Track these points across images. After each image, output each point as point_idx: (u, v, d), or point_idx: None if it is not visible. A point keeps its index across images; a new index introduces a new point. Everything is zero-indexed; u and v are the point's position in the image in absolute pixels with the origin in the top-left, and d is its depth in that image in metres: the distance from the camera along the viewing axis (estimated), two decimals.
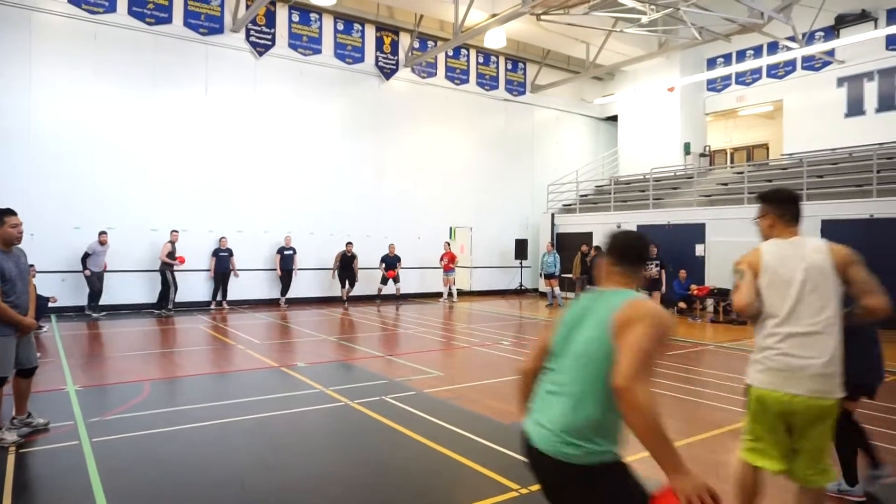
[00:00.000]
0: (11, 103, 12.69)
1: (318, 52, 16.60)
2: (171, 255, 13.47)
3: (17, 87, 12.75)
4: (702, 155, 20.80)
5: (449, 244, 18.19)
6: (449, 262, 17.56)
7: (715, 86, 20.55)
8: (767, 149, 22.31)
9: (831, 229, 12.85)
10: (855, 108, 16.90)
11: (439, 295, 18.46)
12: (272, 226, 15.66)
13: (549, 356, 2.27)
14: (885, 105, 16.34)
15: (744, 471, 3.27)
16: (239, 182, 15.31)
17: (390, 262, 16.70)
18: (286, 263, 15.39)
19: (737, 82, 19.94)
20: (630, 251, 2.32)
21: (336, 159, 16.85)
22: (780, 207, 3.20)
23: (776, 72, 18.76)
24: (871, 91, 16.58)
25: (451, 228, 19.91)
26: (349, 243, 16.08)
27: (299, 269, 15.80)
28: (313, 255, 16.17)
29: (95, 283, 12.80)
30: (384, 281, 16.38)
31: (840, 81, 17.16)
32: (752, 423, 3.15)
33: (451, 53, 19.02)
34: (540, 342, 2.39)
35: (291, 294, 15.75)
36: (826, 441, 3.03)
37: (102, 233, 12.88)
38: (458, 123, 19.40)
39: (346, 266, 16.01)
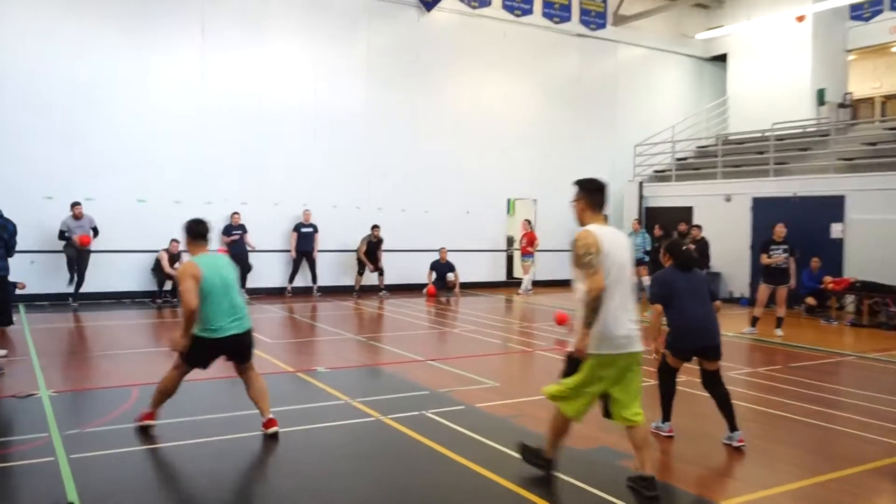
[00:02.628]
0: None
1: None
2: (173, 261, 13.84)
3: None
4: (841, 105, 20.09)
5: (530, 222, 18.10)
6: (528, 245, 17.50)
7: (861, 13, 19.79)
8: None
9: None
10: None
11: (493, 285, 18.44)
12: (284, 198, 15.89)
13: None
14: None
15: None
16: (242, 145, 15.55)
17: (442, 269, 16.68)
18: (304, 244, 15.62)
19: (892, 7, 19.16)
20: None
21: (362, 115, 16.92)
22: None
23: None
24: None
25: (508, 201, 19.82)
26: (375, 226, 16.21)
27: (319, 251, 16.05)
28: (337, 234, 16.32)
29: (73, 264, 13.25)
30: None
31: None
32: None
33: None
34: None
35: (298, 282, 16.01)
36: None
37: (75, 204, 13.28)
38: (519, 67, 19.20)
39: (371, 253, 16.18)
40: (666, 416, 5.99)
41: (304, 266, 15.99)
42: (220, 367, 6.07)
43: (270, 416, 5.76)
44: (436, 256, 16.92)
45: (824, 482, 5.02)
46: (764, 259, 11.92)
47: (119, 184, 14.31)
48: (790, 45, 19.94)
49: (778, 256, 11.86)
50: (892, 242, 13.76)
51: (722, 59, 22.22)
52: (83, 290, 13.53)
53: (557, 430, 4.79)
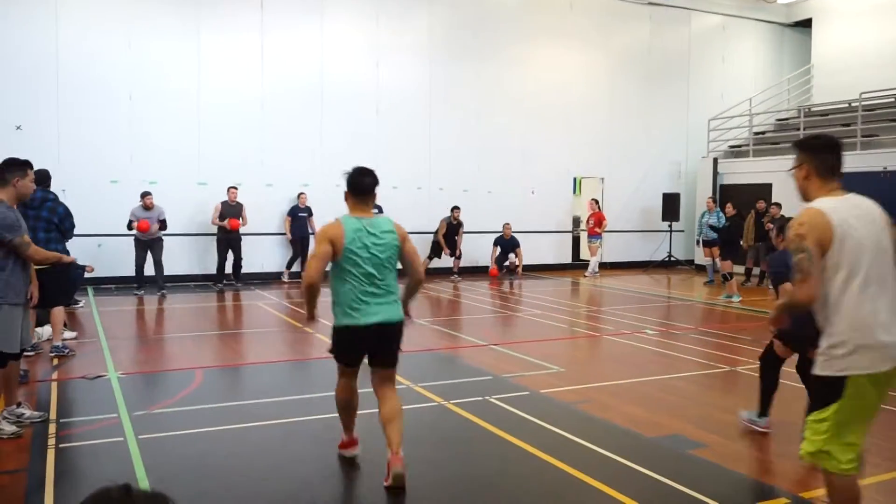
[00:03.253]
0: (35, 38, 13.70)
1: None
2: (223, 216, 14.14)
3: (40, 19, 13.76)
4: None
5: (598, 202, 17.91)
6: (595, 225, 17.35)
7: None
8: None
9: None
10: None
11: (559, 268, 18.34)
12: (340, 179, 16.05)
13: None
14: None
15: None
16: (302, 126, 15.79)
17: (506, 245, 16.67)
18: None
19: None
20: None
21: (424, 93, 16.97)
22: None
23: None
24: None
25: (575, 180, 19.64)
26: (455, 208, 16.28)
27: None
28: (395, 215, 16.44)
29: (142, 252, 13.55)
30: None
31: None
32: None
33: None
34: None
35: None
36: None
37: (146, 194, 13.39)
38: (586, 40, 18.92)
39: (450, 237, 16.30)
40: (763, 411, 5.70)
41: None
42: (283, 350, 6.20)
43: (400, 452, 4.44)
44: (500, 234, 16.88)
45: None
46: None
47: (180, 167, 14.73)
48: (884, 6, 19.05)
49: None
50: None
51: (805, 24, 21.42)
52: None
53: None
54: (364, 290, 4.45)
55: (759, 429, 5.68)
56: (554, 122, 18.40)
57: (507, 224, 16.80)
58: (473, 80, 17.50)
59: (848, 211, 3.31)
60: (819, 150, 3.58)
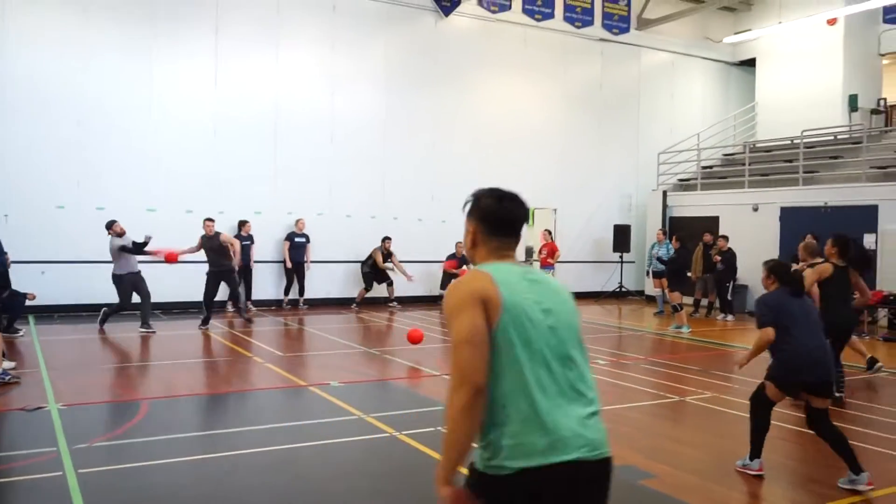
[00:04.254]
0: None
1: None
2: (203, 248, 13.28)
3: None
4: (874, 112, 19.93)
5: (550, 233, 18.07)
6: (548, 256, 17.50)
7: (895, 16, 19.62)
8: None
9: None
10: None
11: None
12: (297, 206, 15.96)
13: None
14: None
15: None
16: (255, 153, 15.70)
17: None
18: (297, 254, 15.71)
19: None
20: None
21: (377, 122, 17.02)
22: None
23: None
24: None
25: (528, 210, 19.79)
26: (387, 238, 16.32)
27: (323, 262, 16.14)
28: (348, 243, 16.41)
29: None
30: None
31: None
32: None
33: None
34: None
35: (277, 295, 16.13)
36: None
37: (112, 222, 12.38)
38: (540, 73, 19.24)
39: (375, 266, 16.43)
40: (756, 453, 5.45)
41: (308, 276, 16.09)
42: (231, 380, 6.03)
43: None
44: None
45: (872, 501, 4.98)
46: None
47: (128, 193, 14.44)
48: (821, 49, 19.82)
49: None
50: None
51: (750, 63, 22.13)
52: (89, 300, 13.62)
53: None
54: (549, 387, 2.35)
55: (753, 472, 5.46)
56: (509, 152, 18.57)
57: (460, 242, 16.88)
58: (428, 110, 17.62)
59: None
60: None
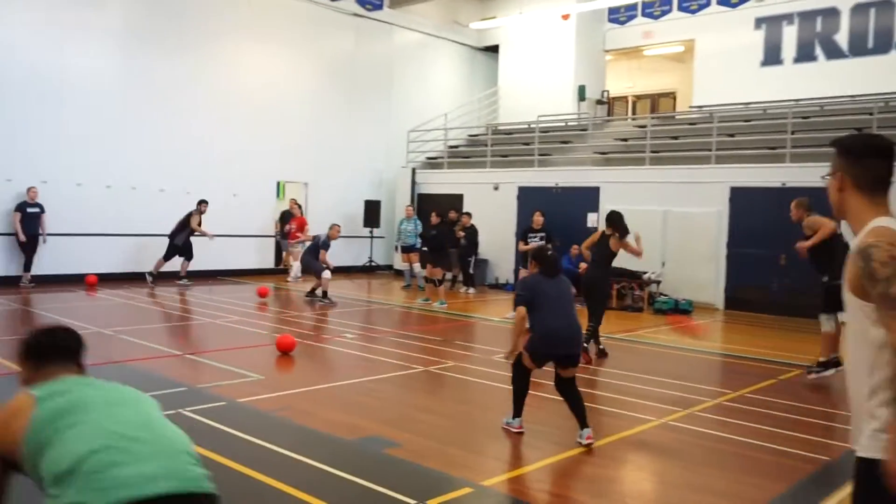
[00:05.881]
0: None
1: None
2: None
3: None
4: (599, 102, 22.03)
5: (300, 206, 17.77)
6: (298, 230, 17.20)
7: (618, 16, 21.76)
8: (675, 98, 24.12)
9: (740, 198, 14.26)
10: (772, 56, 18.73)
11: (261, 273, 18.05)
12: (15, 174, 14.28)
13: None
14: (803, 55, 18.27)
15: None
16: None
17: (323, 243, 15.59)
18: (31, 226, 14.20)
19: (644, 14, 21.26)
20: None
21: (117, 85, 15.67)
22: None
23: (689, 4, 20.22)
24: (789, 36, 18.45)
25: (278, 184, 19.47)
26: (203, 202, 15.79)
27: (58, 235, 14.67)
28: (71, 216, 15.00)
29: None
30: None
31: (758, 22, 18.92)
32: None
33: None
34: None
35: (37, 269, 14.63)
36: None
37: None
38: (292, 44, 18.87)
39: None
40: (517, 413, 6.00)
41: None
42: None
43: None
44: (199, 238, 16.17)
45: (579, 455, 5.56)
46: (522, 246, 13.22)
47: None
48: (556, 41, 21.48)
49: (535, 244, 12.99)
50: (640, 231, 15.40)
51: (494, 49, 23.40)
52: None
53: None
54: None
55: (514, 430, 5.96)
56: (258, 124, 18.03)
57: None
58: (174, 75, 16.50)
59: None
60: (862, 155, 2.58)
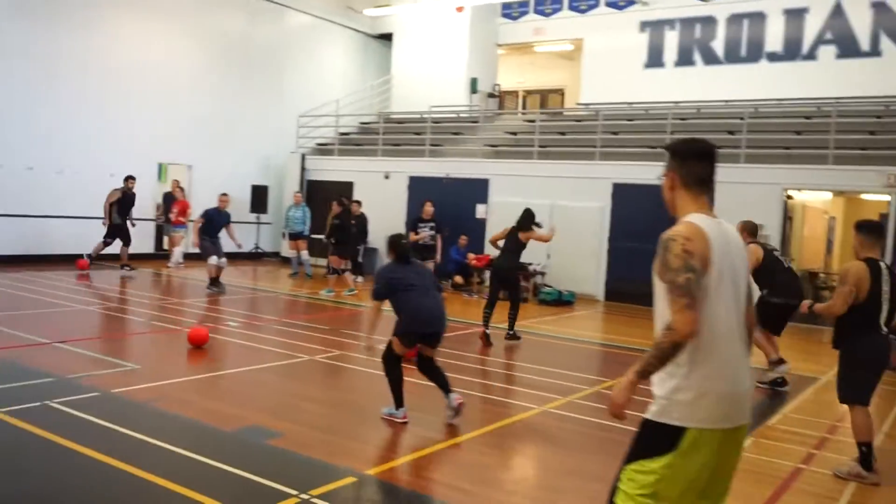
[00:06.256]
0: None
1: None
2: None
3: None
4: (491, 95, 22.32)
5: (182, 189, 17.13)
6: (180, 214, 16.56)
7: (511, 11, 22.10)
8: (563, 95, 24.75)
9: (622, 194, 14.83)
10: (655, 58, 19.51)
11: (139, 258, 17.33)
12: None
13: None
14: (683, 59, 19.12)
15: None
16: None
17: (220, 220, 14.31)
18: None
19: (535, 11, 21.67)
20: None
21: None
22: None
23: (578, 4, 20.78)
24: (671, 41, 19.28)
25: (160, 165, 18.70)
26: (130, 178, 15.22)
27: None
28: None
29: None
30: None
31: (643, 26, 19.65)
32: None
33: None
34: None
35: None
36: None
37: None
38: (175, 19, 18.10)
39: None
40: (399, 402, 6.01)
41: None
42: None
43: None
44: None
45: (461, 442, 5.66)
46: (412, 236, 13.23)
47: None
48: (450, 33, 21.58)
49: (424, 233, 13.19)
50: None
51: (388, 37, 23.28)
52: None
53: None
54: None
55: (399, 420, 5.98)
56: (139, 102, 17.21)
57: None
58: (47, 43, 15.51)
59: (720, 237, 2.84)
60: (689, 157, 2.99)
